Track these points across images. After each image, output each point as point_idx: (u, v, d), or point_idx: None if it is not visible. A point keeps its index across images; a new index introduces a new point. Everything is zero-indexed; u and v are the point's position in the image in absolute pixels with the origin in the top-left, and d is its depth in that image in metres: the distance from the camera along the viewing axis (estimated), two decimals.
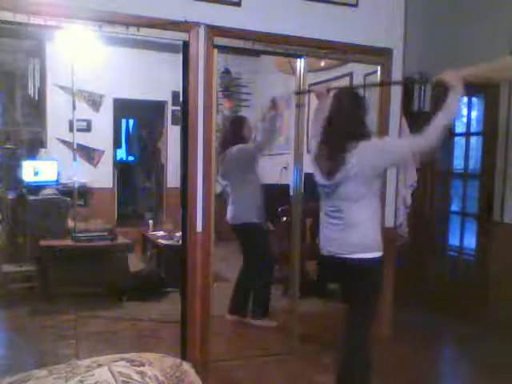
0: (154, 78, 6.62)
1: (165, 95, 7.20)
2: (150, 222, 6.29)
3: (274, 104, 3.86)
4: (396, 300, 3.86)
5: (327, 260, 2.59)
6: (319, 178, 2.56)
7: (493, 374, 3.31)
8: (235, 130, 4.14)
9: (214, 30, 3.12)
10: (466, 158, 4.69)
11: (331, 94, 2.72)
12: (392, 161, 2.61)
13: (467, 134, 4.72)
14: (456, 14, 4.58)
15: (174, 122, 7.35)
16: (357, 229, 2.46)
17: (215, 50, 3.16)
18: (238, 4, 3.20)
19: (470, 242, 4.61)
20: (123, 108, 7.43)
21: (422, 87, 4.52)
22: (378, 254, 2.49)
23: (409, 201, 4.08)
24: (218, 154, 3.90)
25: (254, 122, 7.65)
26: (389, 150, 2.48)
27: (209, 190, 3.21)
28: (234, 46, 3.26)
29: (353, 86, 4.02)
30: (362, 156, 2.38)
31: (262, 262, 4.09)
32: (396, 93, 3.74)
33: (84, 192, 6.40)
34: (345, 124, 2.47)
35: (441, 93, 4.64)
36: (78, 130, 6.05)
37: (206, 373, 3.04)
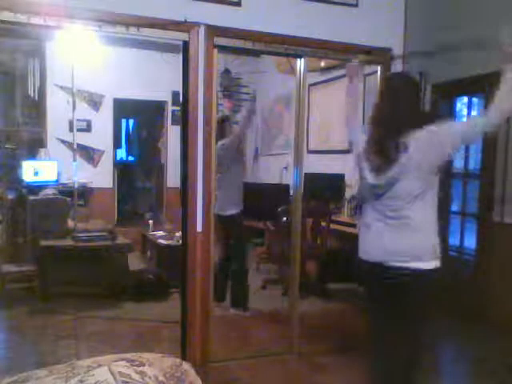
0: (154, 77, 6.62)
1: (165, 95, 7.21)
2: (150, 222, 6.29)
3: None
4: None
5: (372, 268, 2.23)
6: (368, 176, 2.22)
7: (493, 374, 3.31)
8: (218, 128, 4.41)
9: (214, 30, 3.12)
10: (466, 157, 4.69)
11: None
12: (443, 155, 2.15)
13: None
14: (456, 14, 4.57)
15: (173, 122, 7.35)
16: (415, 232, 2.14)
17: (215, 50, 3.16)
18: (238, 4, 3.20)
19: (470, 242, 4.61)
20: (123, 108, 7.43)
21: (422, 88, 4.50)
22: (435, 264, 2.15)
23: None
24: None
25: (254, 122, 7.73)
26: (442, 142, 2.09)
27: (209, 190, 3.21)
28: (234, 46, 3.26)
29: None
30: (418, 148, 2.07)
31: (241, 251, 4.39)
32: None
33: (84, 192, 6.41)
34: (398, 112, 2.15)
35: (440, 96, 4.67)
36: (78, 130, 6.04)
37: (205, 373, 3.04)
